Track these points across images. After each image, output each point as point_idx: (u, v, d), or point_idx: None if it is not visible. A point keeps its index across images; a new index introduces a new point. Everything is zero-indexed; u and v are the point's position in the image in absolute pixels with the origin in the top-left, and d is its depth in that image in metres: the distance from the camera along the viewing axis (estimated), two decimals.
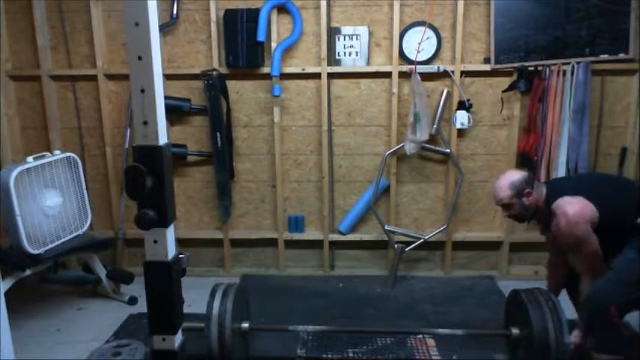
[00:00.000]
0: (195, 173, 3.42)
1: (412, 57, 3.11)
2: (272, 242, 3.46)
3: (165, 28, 3.16)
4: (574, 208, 2.07)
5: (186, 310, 1.61)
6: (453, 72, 3.12)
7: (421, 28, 3.09)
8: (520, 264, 3.42)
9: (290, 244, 3.46)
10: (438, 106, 3.15)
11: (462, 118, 3.13)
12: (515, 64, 3.06)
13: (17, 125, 3.38)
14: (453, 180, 3.25)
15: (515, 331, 2.28)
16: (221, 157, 3.23)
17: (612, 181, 2.48)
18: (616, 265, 2.03)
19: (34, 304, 3.06)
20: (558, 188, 2.24)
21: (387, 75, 3.17)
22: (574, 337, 2.06)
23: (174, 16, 3.15)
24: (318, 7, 3.10)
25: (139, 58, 1.28)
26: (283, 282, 3.36)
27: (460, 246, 3.40)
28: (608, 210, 2.10)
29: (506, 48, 3.06)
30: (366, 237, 3.41)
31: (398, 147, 3.20)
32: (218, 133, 3.19)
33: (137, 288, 3.07)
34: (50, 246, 2.78)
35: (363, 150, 3.33)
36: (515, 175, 2.27)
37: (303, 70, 3.19)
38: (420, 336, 2.64)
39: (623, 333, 2.03)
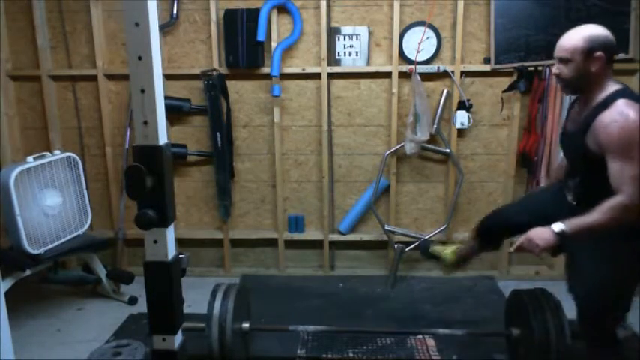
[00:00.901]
0: (195, 173, 3.42)
1: (412, 57, 3.11)
2: (272, 242, 3.46)
3: (165, 28, 3.16)
4: (636, 119, 1.64)
5: (186, 310, 1.61)
6: (453, 72, 3.12)
7: (421, 28, 3.09)
8: (520, 264, 3.42)
9: (290, 244, 3.46)
10: (438, 106, 3.15)
11: (462, 118, 3.13)
12: (515, 64, 3.06)
13: (17, 125, 3.38)
14: (453, 180, 3.25)
15: (515, 331, 2.28)
16: (221, 157, 3.23)
17: None
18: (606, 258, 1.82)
19: (34, 304, 3.06)
20: (633, 95, 1.74)
21: (387, 75, 3.17)
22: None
23: (174, 16, 3.15)
24: (318, 7, 3.10)
25: (139, 58, 1.28)
26: (283, 282, 3.36)
27: None
28: None
29: (506, 48, 3.06)
30: (366, 237, 3.41)
31: (398, 147, 3.20)
32: (218, 133, 3.19)
33: (137, 288, 3.07)
34: (50, 246, 2.78)
35: (363, 150, 3.33)
36: (600, 31, 1.74)
37: (303, 70, 3.19)
38: (420, 336, 2.64)
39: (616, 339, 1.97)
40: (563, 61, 1.78)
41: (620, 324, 2.07)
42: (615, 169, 1.66)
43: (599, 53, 1.71)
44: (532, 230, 1.80)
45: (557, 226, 1.75)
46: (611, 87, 1.75)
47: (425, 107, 3.07)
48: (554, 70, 1.83)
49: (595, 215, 1.70)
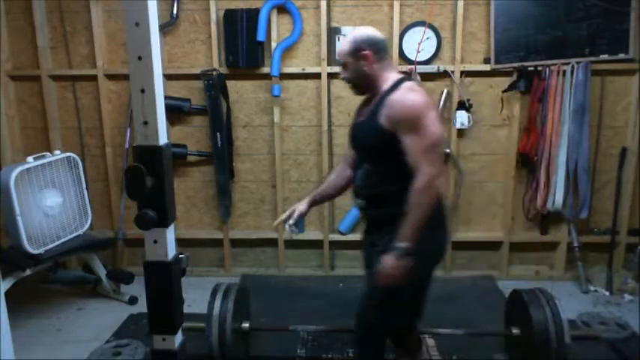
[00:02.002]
0: (195, 173, 3.42)
1: (412, 57, 3.11)
2: (272, 242, 3.46)
3: (165, 28, 3.16)
4: (425, 97, 1.72)
5: (186, 310, 1.61)
6: (453, 72, 3.12)
7: (421, 28, 3.09)
8: (520, 264, 3.42)
9: (290, 244, 3.46)
10: (438, 106, 3.14)
11: (461, 118, 3.13)
12: (515, 64, 3.06)
13: (17, 125, 3.38)
14: (453, 180, 3.24)
15: (515, 331, 2.28)
16: (221, 157, 3.23)
17: None
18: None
19: (34, 304, 3.06)
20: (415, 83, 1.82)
21: None
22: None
23: (174, 16, 3.15)
24: (318, 7, 3.10)
25: (139, 58, 1.27)
26: (283, 282, 3.36)
27: (460, 246, 3.40)
28: None
29: (506, 48, 3.06)
30: None
31: None
32: (218, 133, 3.19)
33: (137, 288, 3.07)
34: (50, 246, 2.78)
35: None
36: (364, 32, 1.82)
37: (303, 70, 3.19)
38: (420, 336, 2.63)
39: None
40: (342, 66, 1.87)
41: (409, 333, 2.12)
42: (408, 143, 1.68)
43: (365, 52, 1.78)
44: (379, 267, 1.72)
45: (396, 247, 1.69)
46: (395, 77, 1.82)
47: None
48: (341, 75, 1.90)
49: (412, 209, 1.67)
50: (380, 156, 1.80)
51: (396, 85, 1.76)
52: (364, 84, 1.84)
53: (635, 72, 3.04)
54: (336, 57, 1.97)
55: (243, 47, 3.11)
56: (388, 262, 1.69)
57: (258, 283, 3.30)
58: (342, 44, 1.83)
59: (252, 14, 3.06)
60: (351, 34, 1.83)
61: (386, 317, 1.89)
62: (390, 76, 1.82)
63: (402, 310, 1.91)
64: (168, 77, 3.23)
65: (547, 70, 3.01)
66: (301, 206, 2.10)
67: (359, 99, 3.31)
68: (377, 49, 1.79)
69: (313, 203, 2.13)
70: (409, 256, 1.68)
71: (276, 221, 2.15)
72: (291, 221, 2.06)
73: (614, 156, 3.18)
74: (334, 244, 3.45)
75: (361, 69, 1.80)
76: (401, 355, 2.24)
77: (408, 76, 1.82)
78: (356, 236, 3.41)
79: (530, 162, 3.14)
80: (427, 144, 1.66)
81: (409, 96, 1.70)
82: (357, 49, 1.78)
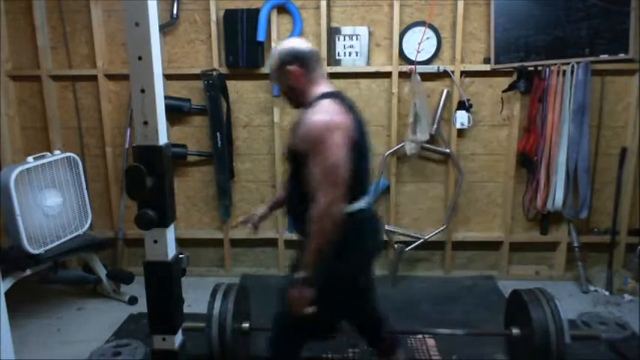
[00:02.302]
0: (195, 173, 3.42)
1: (412, 57, 3.11)
2: (272, 242, 3.46)
3: (165, 28, 3.16)
4: (333, 117, 1.62)
5: (186, 310, 1.61)
6: (453, 72, 3.12)
7: (421, 28, 3.09)
8: (520, 264, 3.43)
9: (290, 244, 3.45)
10: (438, 106, 3.15)
11: (461, 118, 3.13)
12: (515, 64, 3.06)
13: (17, 125, 3.38)
14: (453, 180, 3.25)
15: (515, 331, 2.28)
16: (221, 157, 3.23)
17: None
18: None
19: (34, 304, 3.06)
20: (340, 96, 1.74)
21: (387, 75, 3.17)
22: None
23: (175, 16, 3.15)
24: (318, 7, 3.10)
25: (139, 58, 1.27)
26: (283, 282, 3.35)
27: (460, 246, 3.40)
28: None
29: (506, 48, 3.06)
30: None
31: (398, 147, 3.20)
32: (218, 133, 3.19)
33: (137, 288, 3.07)
34: (50, 246, 2.78)
35: None
36: (289, 45, 1.77)
37: None
38: (420, 336, 2.64)
39: None
40: (274, 80, 1.84)
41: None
42: (311, 165, 1.60)
43: (291, 66, 1.72)
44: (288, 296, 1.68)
45: (297, 276, 1.65)
46: (319, 92, 1.73)
47: (425, 107, 3.07)
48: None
49: (311, 237, 1.61)
50: (299, 174, 1.70)
51: (316, 100, 1.69)
52: (296, 98, 1.78)
53: (635, 72, 3.04)
54: (269, 72, 1.87)
55: (243, 47, 3.11)
56: (290, 292, 1.66)
57: (258, 283, 3.30)
58: (272, 60, 1.78)
59: (252, 14, 3.06)
60: (277, 48, 1.78)
61: (296, 336, 1.88)
62: (318, 90, 1.74)
63: (315, 329, 1.85)
64: (168, 77, 3.23)
65: (547, 70, 3.01)
66: (261, 209, 2.12)
67: (359, 99, 3.32)
68: (303, 61, 1.73)
69: (274, 206, 2.13)
70: (311, 285, 1.63)
71: (235, 222, 2.13)
72: (249, 224, 2.09)
73: (614, 156, 3.18)
74: None
75: (290, 84, 1.75)
76: (379, 356, 2.23)
77: (332, 92, 1.74)
78: None
79: (530, 162, 3.14)
80: (326, 167, 1.57)
81: (315, 116, 1.62)
82: (283, 64, 1.73)
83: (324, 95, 1.71)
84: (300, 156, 1.65)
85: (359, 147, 1.68)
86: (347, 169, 1.60)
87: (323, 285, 1.64)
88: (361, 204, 1.75)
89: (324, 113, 1.62)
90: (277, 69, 1.76)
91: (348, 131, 1.62)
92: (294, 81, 1.74)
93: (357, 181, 1.69)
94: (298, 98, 1.77)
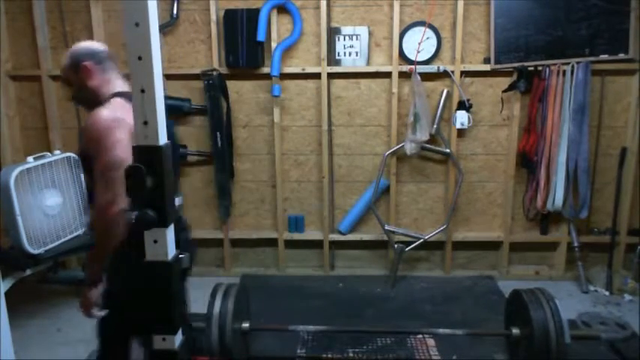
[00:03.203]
0: (195, 173, 3.42)
1: (412, 57, 3.11)
2: (272, 242, 3.46)
3: (165, 28, 3.16)
4: (116, 116, 1.58)
5: None
6: (452, 72, 3.12)
7: (421, 28, 3.09)
8: (520, 264, 3.43)
9: (290, 244, 3.46)
10: (438, 106, 3.15)
11: (461, 118, 3.13)
12: (515, 64, 3.06)
13: (17, 125, 3.38)
14: (453, 180, 3.25)
15: (515, 331, 2.28)
16: (221, 157, 3.23)
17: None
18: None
19: (34, 304, 3.06)
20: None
21: (387, 75, 3.17)
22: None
23: (175, 16, 3.15)
24: (318, 7, 3.10)
25: (139, 58, 1.27)
26: (283, 282, 3.36)
27: (460, 246, 3.40)
28: None
29: (506, 48, 3.06)
30: (366, 237, 3.41)
31: (398, 147, 3.20)
32: (218, 133, 3.19)
33: None
34: (50, 246, 2.78)
35: (363, 150, 3.33)
36: (84, 45, 1.75)
37: (303, 70, 3.19)
38: (420, 336, 2.64)
39: None
40: (66, 83, 1.78)
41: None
42: (93, 165, 1.56)
43: (85, 63, 1.69)
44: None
45: (84, 277, 1.62)
46: (115, 90, 1.70)
47: (425, 107, 3.07)
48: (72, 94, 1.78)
49: (94, 236, 1.58)
50: (90, 177, 1.65)
51: (108, 99, 1.65)
52: (91, 99, 1.70)
53: (635, 72, 3.04)
54: (61, 74, 1.81)
55: (243, 47, 3.11)
56: (83, 292, 1.64)
57: (258, 283, 3.31)
58: (64, 60, 1.74)
59: (252, 14, 3.06)
60: (70, 49, 1.74)
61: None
62: (111, 90, 1.70)
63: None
64: (168, 77, 3.23)
65: (547, 70, 3.02)
66: None
67: (359, 99, 3.33)
68: (98, 60, 1.71)
69: None
70: (95, 286, 1.62)
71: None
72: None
73: (614, 156, 3.18)
74: (334, 244, 3.45)
75: (84, 83, 1.70)
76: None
77: (128, 92, 1.68)
78: (356, 236, 3.42)
79: (530, 162, 3.14)
80: (105, 165, 1.54)
81: (98, 113, 1.57)
82: (78, 60, 1.69)
83: (117, 94, 1.68)
84: (90, 158, 1.61)
85: None
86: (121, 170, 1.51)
87: (117, 287, 1.62)
88: None
89: (109, 110, 1.59)
90: (71, 67, 1.71)
91: (132, 129, 1.49)
92: (88, 78, 1.70)
93: None
94: (93, 98, 1.70)
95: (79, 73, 1.70)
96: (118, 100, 1.64)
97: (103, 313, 1.64)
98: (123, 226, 1.56)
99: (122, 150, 1.54)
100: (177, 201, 1.45)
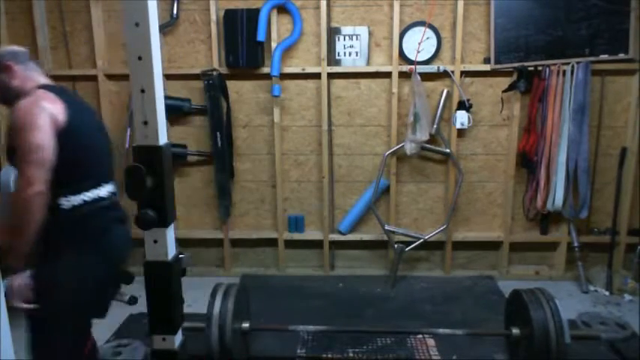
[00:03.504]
0: (195, 173, 3.42)
1: (412, 57, 3.11)
2: (272, 242, 3.46)
3: (165, 28, 3.16)
4: (42, 99, 1.66)
5: (186, 310, 1.61)
6: (452, 72, 3.12)
7: (421, 28, 3.09)
8: (520, 264, 3.43)
9: (290, 244, 3.46)
10: (438, 106, 3.15)
11: (461, 118, 3.13)
12: (515, 64, 3.06)
13: None
14: (453, 180, 3.25)
15: (515, 331, 2.28)
16: (221, 157, 3.23)
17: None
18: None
19: None
20: (56, 89, 1.78)
21: (387, 75, 3.17)
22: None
23: (174, 16, 3.15)
24: (318, 7, 3.10)
25: (139, 58, 1.27)
26: (283, 282, 3.36)
27: (460, 246, 3.40)
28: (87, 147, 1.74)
29: (506, 48, 3.06)
30: (366, 237, 3.41)
31: (398, 147, 3.20)
32: (218, 133, 3.19)
33: (137, 288, 3.06)
34: None
35: (363, 150, 3.33)
36: (5, 48, 1.87)
37: (303, 70, 3.19)
38: (420, 336, 2.64)
39: None
40: None
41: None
42: (16, 152, 1.60)
43: (7, 62, 1.78)
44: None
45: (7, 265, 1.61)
46: (38, 83, 1.78)
47: (425, 107, 3.07)
48: None
49: (13, 219, 1.58)
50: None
51: (31, 92, 1.70)
52: (13, 97, 1.75)
53: (635, 72, 3.04)
54: None
55: (243, 47, 3.11)
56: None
57: (258, 283, 3.31)
58: None
59: (252, 14, 3.06)
60: None
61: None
62: (35, 84, 1.77)
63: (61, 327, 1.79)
64: (168, 77, 3.23)
65: (547, 70, 3.02)
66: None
67: (359, 99, 3.33)
68: (19, 59, 1.80)
69: None
70: (14, 272, 1.61)
71: None
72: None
73: (614, 156, 3.18)
74: (334, 244, 3.45)
75: (5, 81, 1.78)
76: None
77: (50, 85, 1.81)
78: (356, 236, 3.42)
79: (530, 162, 3.14)
80: (24, 149, 1.57)
81: (19, 103, 1.63)
82: (0, 63, 1.78)
83: (40, 87, 1.76)
84: (15, 149, 1.63)
85: (75, 136, 1.67)
86: (49, 154, 1.59)
87: (48, 278, 1.64)
88: (88, 196, 1.73)
89: (31, 99, 1.65)
90: None
91: (54, 116, 1.62)
92: (12, 77, 1.78)
93: (78, 171, 1.71)
94: (16, 97, 1.74)
95: (2, 73, 1.78)
96: (40, 91, 1.70)
97: (30, 306, 1.67)
98: (41, 207, 1.58)
99: (42, 136, 1.58)
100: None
